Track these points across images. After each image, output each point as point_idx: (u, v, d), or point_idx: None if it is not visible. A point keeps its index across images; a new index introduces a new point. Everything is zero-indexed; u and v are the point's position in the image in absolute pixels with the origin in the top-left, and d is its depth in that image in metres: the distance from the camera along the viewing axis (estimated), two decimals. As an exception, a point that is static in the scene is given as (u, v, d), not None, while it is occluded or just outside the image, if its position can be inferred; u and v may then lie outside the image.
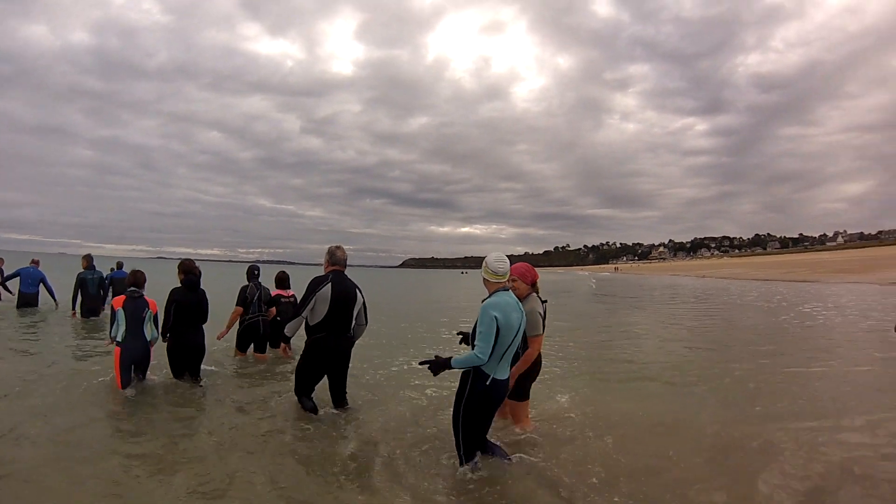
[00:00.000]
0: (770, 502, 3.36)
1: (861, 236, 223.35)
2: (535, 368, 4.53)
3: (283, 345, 5.49)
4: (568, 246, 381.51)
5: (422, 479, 3.65)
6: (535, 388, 4.75)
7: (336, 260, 5.15)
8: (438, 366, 3.66)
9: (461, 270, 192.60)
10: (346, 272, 5.28)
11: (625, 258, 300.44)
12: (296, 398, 5.16)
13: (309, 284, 5.01)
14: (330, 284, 4.96)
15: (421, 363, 3.84)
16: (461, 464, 3.71)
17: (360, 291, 5.23)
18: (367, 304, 5.33)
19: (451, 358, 3.65)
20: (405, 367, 7.47)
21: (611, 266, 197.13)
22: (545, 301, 4.54)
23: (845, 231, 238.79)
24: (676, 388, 6.58)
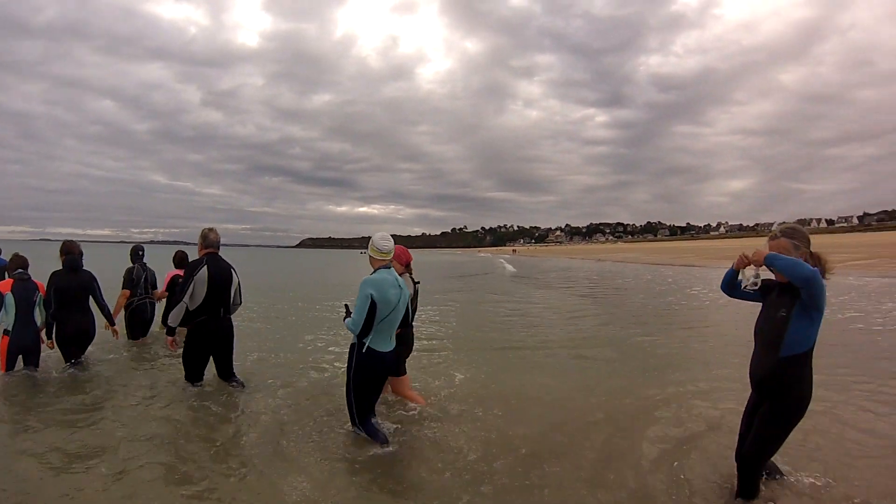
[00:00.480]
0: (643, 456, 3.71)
1: (740, 227, 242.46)
2: (407, 345, 4.87)
3: (168, 339, 5.25)
4: (465, 228, 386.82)
5: (311, 452, 3.76)
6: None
7: (209, 243, 5.18)
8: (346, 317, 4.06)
9: (360, 251, 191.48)
10: (227, 253, 5.38)
11: (522, 241, 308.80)
12: (189, 383, 5.17)
13: (185, 270, 5.09)
14: (206, 267, 5.01)
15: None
16: (352, 424, 4.04)
17: (235, 272, 5.32)
18: (241, 284, 5.42)
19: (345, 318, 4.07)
20: (309, 347, 7.53)
21: (509, 248, 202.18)
22: (418, 282, 4.97)
23: (727, 222, 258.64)
24: (581, 361, 6.96)
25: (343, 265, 48.46)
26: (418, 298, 5.03)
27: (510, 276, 30.16)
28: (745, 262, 2.96)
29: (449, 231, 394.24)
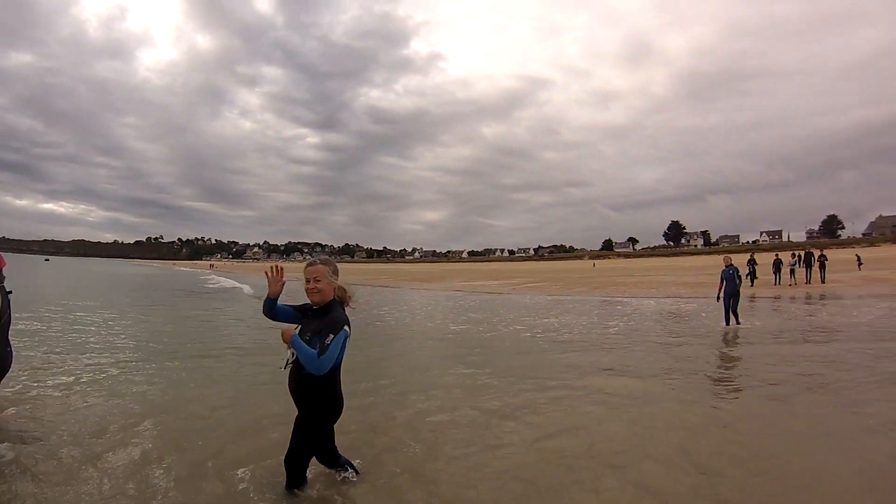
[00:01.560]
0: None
1: (434, 253, 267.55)
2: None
3: None
4: (161, 237, 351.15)
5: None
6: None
7: None
8: None
9: (45, 258, 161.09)
10: None
11: (219, 255, 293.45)
12: None
13: None
14: None
15: None
16: None
17: None
18: None
19: None
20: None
21: (206, 262, 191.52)
22: (10, 292, 4.89)
23: (422, 248, 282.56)
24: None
25: (18, 275, 40.79)
26: (10, 309, 4.86)
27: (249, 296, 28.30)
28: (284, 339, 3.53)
29: (143, 240, 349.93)
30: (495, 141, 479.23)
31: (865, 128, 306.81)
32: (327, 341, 3.37)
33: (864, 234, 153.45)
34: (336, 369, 3.56)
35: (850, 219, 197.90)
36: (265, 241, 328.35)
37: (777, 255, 29.64)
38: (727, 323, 12.89)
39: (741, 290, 13.53)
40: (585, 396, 6.57)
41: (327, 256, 3.97)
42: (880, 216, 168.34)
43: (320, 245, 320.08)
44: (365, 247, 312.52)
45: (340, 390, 3.66)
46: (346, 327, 3.48)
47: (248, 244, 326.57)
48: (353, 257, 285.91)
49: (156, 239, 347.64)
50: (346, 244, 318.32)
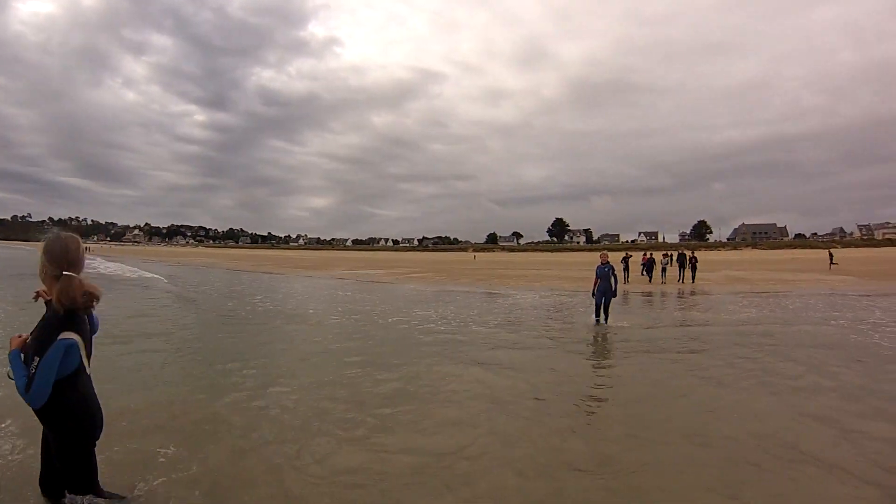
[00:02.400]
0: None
1: (318, 241, 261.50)
2: None
3: None
4: (30, 216, 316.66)
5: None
6: None
7: None
8: None
9: None
10: None
11: (96, 237, 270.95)
12: None
13: None
14: None
15: None
16: None
17: None
18: None
19: None
20: None
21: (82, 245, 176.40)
22: None
23: (307, 235, 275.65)
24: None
25: None
26: None
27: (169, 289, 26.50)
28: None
29: (9, 219, 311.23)
30: (384, 130, 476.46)
31: (733, 146, 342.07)
32: (33, 370, 2.67)
33: (728, 239, 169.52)
34: (75, 378, 2.85)
35: (717, 224, 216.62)
36: (146, 223, 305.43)
37: (650, 254, 30.50)
38: (597, 320, 12.36)
39: (618, 288, 13.15)
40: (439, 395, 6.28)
41: (55, 233, 2.93)
42: (743, 224, 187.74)
43: (204, 229, 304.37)
44: (250, 232, 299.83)
45: (91, 401, 2.98)
46: (61, 339, 2.72)
47: (128, 226, 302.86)
48: (237, 242, 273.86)
49: (23, 218, 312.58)
50: (231, 228, 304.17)
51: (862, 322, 12.44)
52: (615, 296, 12.63)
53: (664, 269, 29.16)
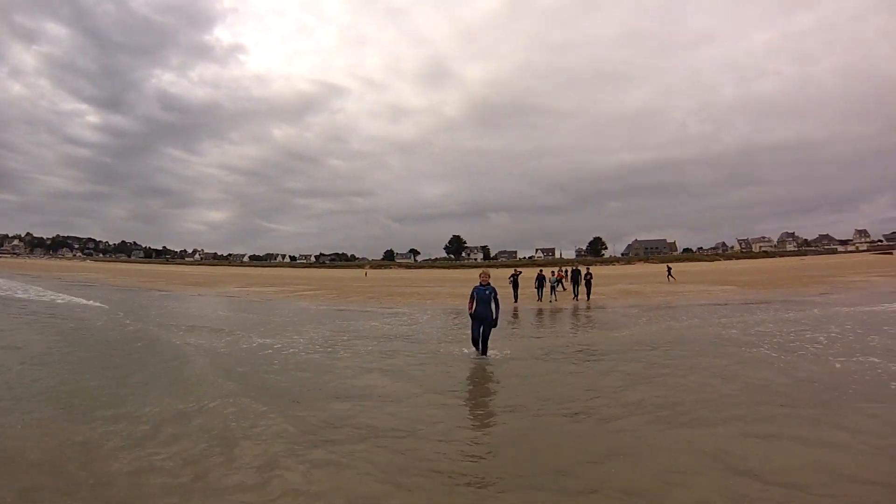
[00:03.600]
0: None
1: (215, 256, 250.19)
2: None
3: None
4: None
5: None
6: None
7: None
8: None
9: None
10: None
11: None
12: None
13: None
14: None
15: None
16: None
17: None
18: None
19: None
20: None
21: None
22: None
23: (203, 250, 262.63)
24: None
25: None
26: None
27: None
28: None
29: None
30: (285, 143, 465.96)
31: (627, 168, 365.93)
32: None
33: (622, 254, 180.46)
34: None
35: (612, 240, 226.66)
36: (27, 233, 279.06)
37: (541, 270, 28.71)
38: (476, 351, 10.45)
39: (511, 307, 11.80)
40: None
41: None
42: (636, 240, 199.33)
43: (93, 241, 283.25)
44: (143, 245, 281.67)
45: None
46: None
47: (7, 235, 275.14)
48: (130, 256, 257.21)
49: None
50: (123, 241, 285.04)
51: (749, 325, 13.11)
52: (496, 325, 10.54)
53: (553, 288, 26.39)
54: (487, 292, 10.45)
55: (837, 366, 8.60)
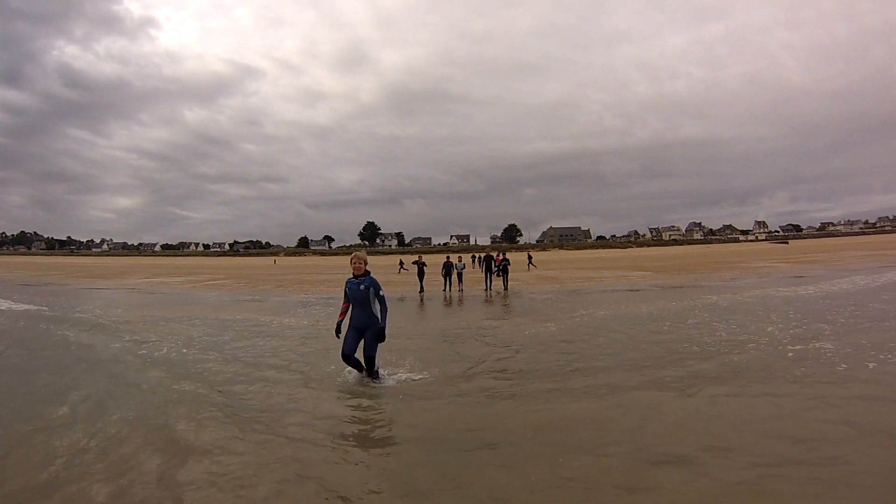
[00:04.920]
0: None
1: (125, 245, 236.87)
2: None
3: None
4: None
5: None
6: None
7: None
8: None
9: None
10: None
11: None
12: None
13: None
14: None
15: None
16: None
17: None
18: None
19: None
20: None
21: None
22: None
23: (112, 239, 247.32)
24: None
25: None
26: None
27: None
28: None
29: None
30: (196, 126, 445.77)
31: (542, 157, 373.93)
32: None
33: (537, 241, 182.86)
34: None
35: (527, 227, 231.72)
36: None
37: (447, 257, 25.19)
38: (362, 374, 7.17)
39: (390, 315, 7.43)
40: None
41: None
42: (551, 227, 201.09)
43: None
44: (45, 236, 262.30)
45: None
46: None
47: None
48: (30, 248, 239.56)
49: None
50: (23, 232, 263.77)
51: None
52: (382, 338, 7.03)
53: (461, 274, 24.11)
54: (363, 286, 7.02)
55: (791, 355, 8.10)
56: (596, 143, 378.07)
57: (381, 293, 7.05)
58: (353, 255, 7.25)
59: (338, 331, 7.10)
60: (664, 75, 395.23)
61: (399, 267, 22.49)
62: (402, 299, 19.64)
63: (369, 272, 7.18)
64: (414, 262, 24.40)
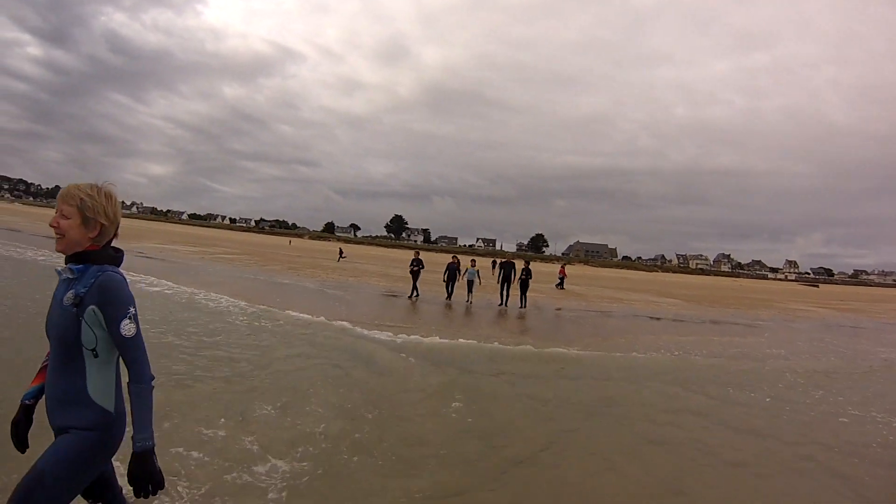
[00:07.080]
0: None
1: (154, 210, 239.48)
2: None
3: None
4: None
5: None
6: None
7: None
8: None
9: None
10: None
11: None
12: None
13: None
14: None
15: None
16: None
17: None
18: None
19: None
20: None
21: None
22: None
23: (142, 203, 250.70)
24: None
25: None
26: None
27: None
28: None
29: None
30: (234, 103, 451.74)
31: (574, 170, 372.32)
32: None
33: (563, 254, 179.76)
34: None
35: (554, 239, 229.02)
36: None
37: (454, 257, 20.40)
38: None
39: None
40: None
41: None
42: (577, 241, 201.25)
43: (24, 182, 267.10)
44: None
45: None
46: None
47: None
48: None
49: None
50: (58, 186, 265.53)
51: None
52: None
53: (471, 283, 19.42)
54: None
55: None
56: (629, 161, 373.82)
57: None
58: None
59: None
60: (703, 100, 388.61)
61: (411, 265, 18.71)
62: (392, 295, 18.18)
63: None
64: (414, 261, 19.34)
